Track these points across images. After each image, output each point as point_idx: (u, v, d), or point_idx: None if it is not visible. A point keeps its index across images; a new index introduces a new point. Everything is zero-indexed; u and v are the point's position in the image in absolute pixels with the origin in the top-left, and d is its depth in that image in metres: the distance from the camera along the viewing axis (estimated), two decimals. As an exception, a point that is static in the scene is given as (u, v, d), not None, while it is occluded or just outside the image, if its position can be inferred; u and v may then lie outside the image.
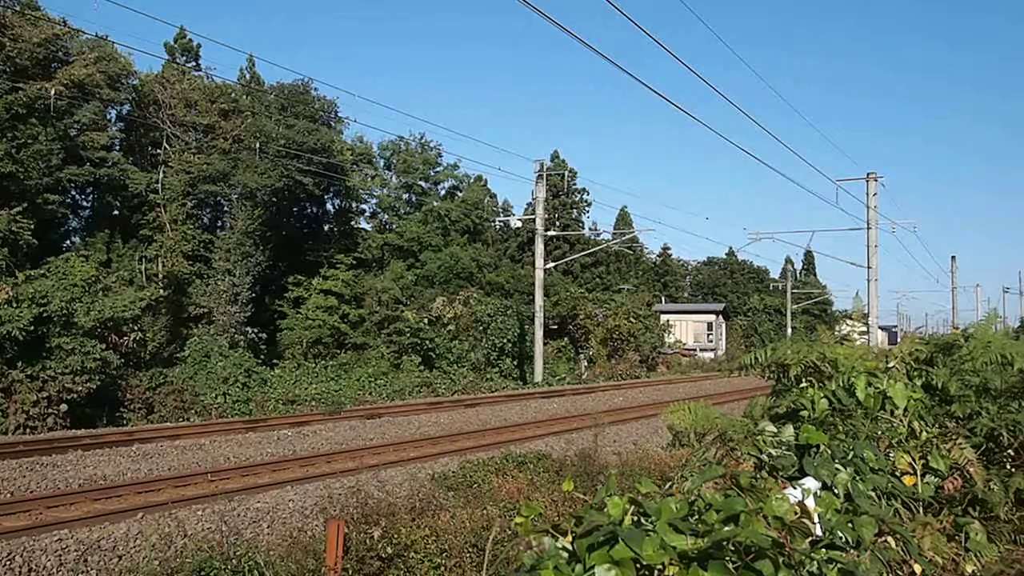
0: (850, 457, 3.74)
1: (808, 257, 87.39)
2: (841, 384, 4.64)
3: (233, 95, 34.73)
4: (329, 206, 40.09)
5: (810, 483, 3.30)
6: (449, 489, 11.95)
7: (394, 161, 47.13)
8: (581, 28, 70.64)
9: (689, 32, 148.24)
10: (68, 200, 29.34)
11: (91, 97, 27.69)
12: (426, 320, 36.28)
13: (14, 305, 21.22)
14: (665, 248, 79.42)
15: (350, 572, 6.94)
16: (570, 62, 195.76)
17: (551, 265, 42.15)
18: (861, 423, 4.33)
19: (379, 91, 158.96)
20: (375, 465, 14.85)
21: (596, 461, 13.35)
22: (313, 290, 34.44)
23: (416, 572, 7.21)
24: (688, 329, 66.14)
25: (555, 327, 44.95)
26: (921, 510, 3.94)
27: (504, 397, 30.64)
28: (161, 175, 30.65)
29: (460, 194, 48.37)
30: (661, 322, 56.51)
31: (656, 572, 2.25)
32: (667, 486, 3.19)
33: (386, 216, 46.28)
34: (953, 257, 72.76)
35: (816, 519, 2.96)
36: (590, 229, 59.22)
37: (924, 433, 4.39)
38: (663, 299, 71.24)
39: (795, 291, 69.29)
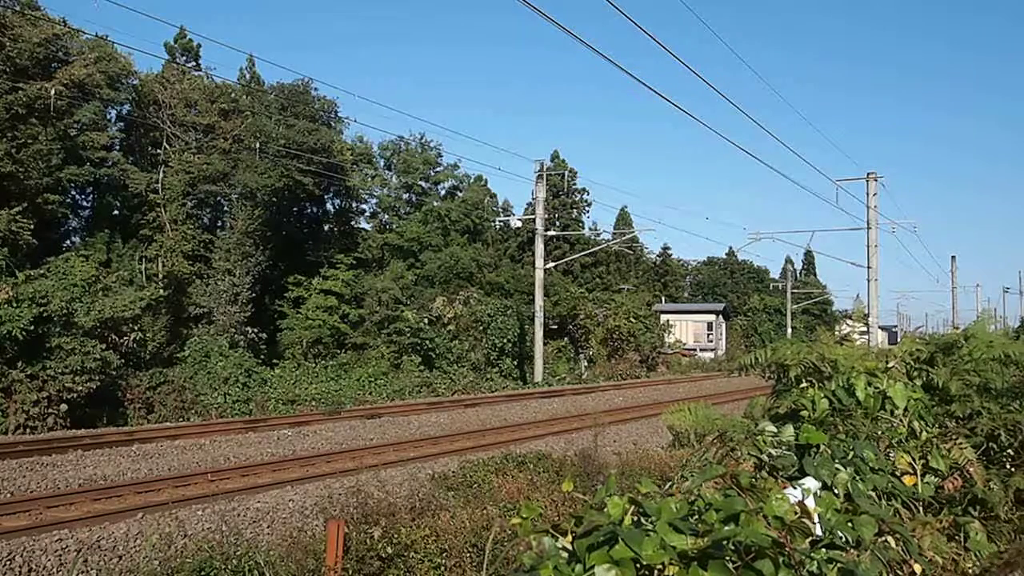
0: (850, 457, 3.74)
1: (808, 257, 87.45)
2: (841, 384, 4.64)
3: (233, 95, 34.74)
4: (329, 206, 40.13)
5: (810, 483, 3.30)
6: (449, 489, 11.95)
7: (394, 161, 47.12)
8: (581, 28, 70.63)
9: (689, 32, 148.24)
10: (68, 200, 29.35)
11: (91, 97, 27.70)
12: (426, 320, 36.29)
13: (14, 305, 21.21)
14: (665, 248, 79.41)
15: (350, 572, 6.94)
16: (570, 62, 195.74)
17: (551, 265, 42.16)
18: (861, 423, 4.33)
19: (379, 91, 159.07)
20: (375, 465, 14.84)
21: (596, 461, 13.36)
22: (313, 290, 34.44)
23: (416, 572, 7.21)
24: (688, 329, 66.12)
25: (555, 327, 44.94)
26: (921, 510, 3.94)
27: (504, 397, 30.64)
28: (161, 175, 30.66)
29: (460, 194, 48.35)
30: (661, 322, 56.50)
31: (656, 572, 2.25)
32: (667, 486, 3.19)
33: (386, 216, 46.27)
34: (953, 257, 72.90)
35: (816, 519, 2.96)
36: (590, 229, 59.28)
37: (924, 433, 4.39)
38: (663, 299, 71.22)
39: (795, 291, 69.30)
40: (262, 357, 30.64)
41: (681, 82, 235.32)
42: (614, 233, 59.90)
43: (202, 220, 33.50)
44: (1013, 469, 4.52)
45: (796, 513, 2.77)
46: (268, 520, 11.36)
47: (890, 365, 4.87)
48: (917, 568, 3.29)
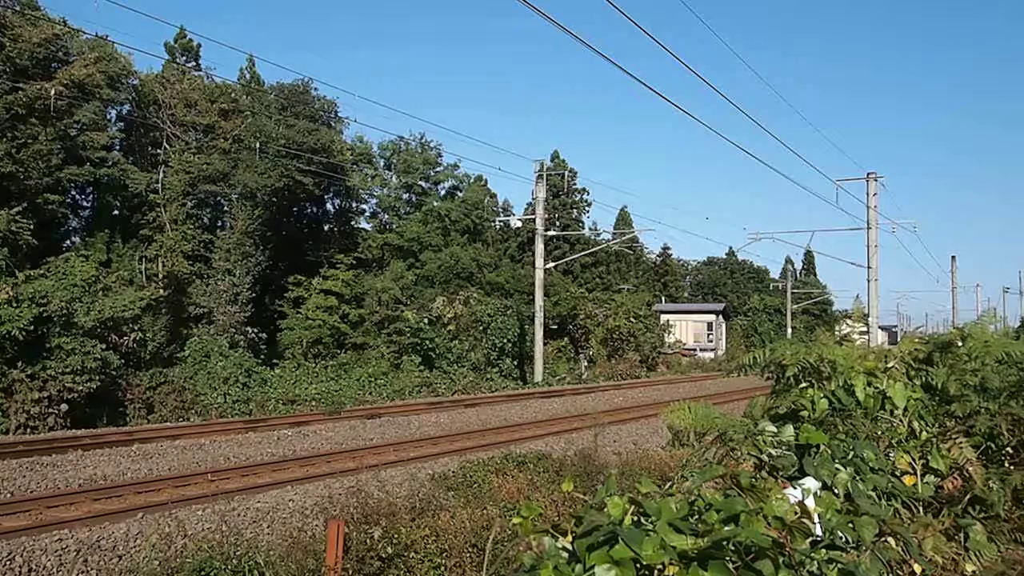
0: (850, 457, 3.74)
1: (808, 257, 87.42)
2: (841, 384, 4.64)
3: (233, 95, 34.71)
4: (329, 206, 40.12)
5: (810, 483, 3.30)
6: (449, 489, 11.94)
7: (394, 161, 47.08)
8: (581, 28, 70.65)
9: (689, 32, 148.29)
10: (68, 200, 29.32)
11: (91, 97, 27.67)
12: (426, 320, 36.27)
13: (14, 305, 21.21)
14: (665, 248, 79.50)
15: (350, 572, 6.94)
16: (570, 62, 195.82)
17: (551, 265, 42.15)
18: (861, 423, 4.33)
19: (379, 91, 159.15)
20: (375, 465, 14.85)
21: (596, 461, 13.34)
22: (313, 290, 34.44)
23: (416, 572, 7.21)
24: (688, 329, 66.10)
25: (555, 327, 44.93)
26: (921, 510, 3.94)
27: (504, 397, 30.64)
28: (161, 175, 30.65)
29: (460, 194, 48.31)
30: (661, 322, 56.52)
31: (656, 572, 2.25)
32: (667, 486, 3.19)
33: (386, 216, 46.23)
34: (953, 257, 72.86)
35: (816, 519, 2.96)
36: (590, 229, 59.23)
37: (924, 433, 4.40)
38: (663, 299, 71.22)
39: (795, 291, 69.30)
40: (262, 357, 30.64)
41: (681, 82, 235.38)
42: (614, 233, 59.91)
43: (202, 220, 33.46)
44: (1012, 468, 4.52)
45: (796, 513, 2.77)
46: (268, 520, 11.35)
47: (890, 365, 4.87)
48: (917, 568, 3.29)
